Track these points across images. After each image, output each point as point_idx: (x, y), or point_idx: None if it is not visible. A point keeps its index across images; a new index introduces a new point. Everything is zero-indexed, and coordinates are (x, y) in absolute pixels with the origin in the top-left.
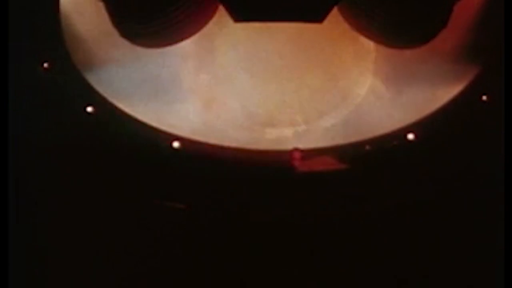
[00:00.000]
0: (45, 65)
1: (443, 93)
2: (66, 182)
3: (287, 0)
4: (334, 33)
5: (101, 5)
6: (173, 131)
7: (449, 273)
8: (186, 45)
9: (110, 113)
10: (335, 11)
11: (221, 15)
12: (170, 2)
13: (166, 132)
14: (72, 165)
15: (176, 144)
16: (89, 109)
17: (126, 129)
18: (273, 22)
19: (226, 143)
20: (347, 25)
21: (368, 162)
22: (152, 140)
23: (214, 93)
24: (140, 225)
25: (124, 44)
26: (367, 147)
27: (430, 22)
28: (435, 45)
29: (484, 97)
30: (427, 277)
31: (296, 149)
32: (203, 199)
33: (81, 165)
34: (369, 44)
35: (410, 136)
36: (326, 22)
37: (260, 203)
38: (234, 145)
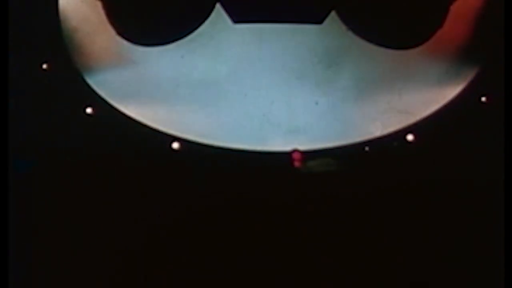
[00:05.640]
0: (45, 66)
1: (443, 94)
2: (66, 181)
3: (287, 2)
4: None
5: (99, 5)
6: (172, 131)
7: (449, 272)
8: (184, 45)
9: (109, 114)
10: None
11: (219, 15)
12: (167, 2)
13: (165, 132)
14: (71, 165)
15: (175, 144)
16: (89, 110)
17: (125, 130)
18: (273, 24)
19: (225, 143)
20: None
21: (368, 162)
22: (152, 141)
23: (213, 95)
24: (140, 224)
25: (124, 46)
26: (367, 148)
27: (425, 22)
28: (434, 45)
29: (483, 98)
30: (426, 276)
31: (296, 150)
32: (203, 199)
33: (81, 165)
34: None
35: (410, 137)
36: None
37: (260, 203)
38: (233, 145)
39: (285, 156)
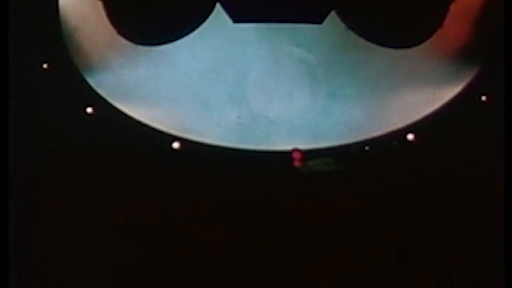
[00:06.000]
0: (45, 65)
1: (443, 93)
2: (66, 181)
3: (287, 2)
4: None
5: (99, 4)
6: (173, 131)
7: (448, 272)
8: (184, 45)
9: (109, 114)
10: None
11: (219, 15)
12: (167, 2)
13: (166, 132)
14: (72, 165)
15: (176, 144)
16: (89, 109)
17: (125, 130)
18: (273, 24)
19: (225, 143)
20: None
21: (368, 161)
22: (152, 140)
23: (213, 94)
24: (140, 224)
25: (124, 46)
26: (367, 147)
27: (425, 22)
28: (434, 45)
29: (484, 97)
30: (426, 276)
31: (296, 150)
32: (203, 198)
33: (81, 165)
34: None
35: (410, 136)
36: None
37: (260, 202)
38: (234, 145)
39: (286, 156)
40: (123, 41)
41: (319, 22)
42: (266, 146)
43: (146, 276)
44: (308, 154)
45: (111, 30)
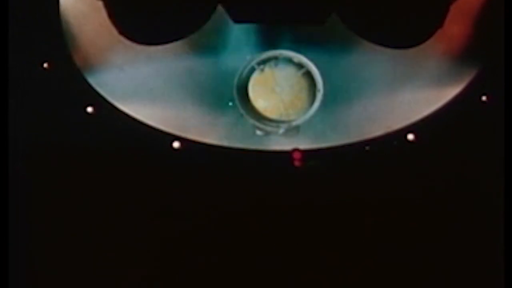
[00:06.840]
0: (46, 65)
1: (443, 93)
2: (66, 181)
3: (289, 3)
4: None
5: (100, 4)
6: (173, 131)
7: (448, 272)
8: (186, 45)
9: (110, 113)
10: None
11: (221, 15)
12: (169, 2)
13: (166, 132)
14: (72, 165)
15: (176, 144)
16: (89, 109)
17: (126, 129)
18: (274, 24)
19: (225, 143)
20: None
21: (368, 161)
22: (153, 140)
23: (214, 93)
24: (140, 224)
25: (125, 46)
26: (367, 147)
27: (426, 22)
28: (435, 45)
29: (484, 97)
30: (425, 276)
31: (296, 150)
32: (203, 197)
33: (81, 165)
34: None
35: (410, 136)
36: None
37: (260, 203)
38: (234, 145)
39: (286, 156)
40: (124, 41)
41: (321, 23)
42: (266, 146)
43: (146, 275)
44: (308, 154)
45: (112, 30)
